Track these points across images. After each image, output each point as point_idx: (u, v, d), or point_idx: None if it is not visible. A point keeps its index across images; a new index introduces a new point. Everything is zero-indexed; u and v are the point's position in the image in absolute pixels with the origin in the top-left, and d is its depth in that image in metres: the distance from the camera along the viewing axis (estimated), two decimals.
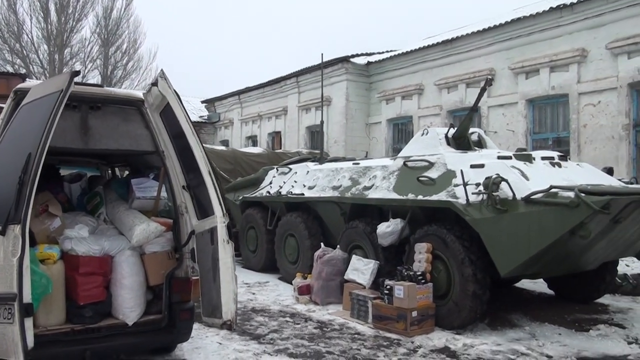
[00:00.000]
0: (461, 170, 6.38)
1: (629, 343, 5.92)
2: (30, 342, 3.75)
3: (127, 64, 37.42)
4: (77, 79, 4.20)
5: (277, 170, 10.67)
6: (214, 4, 77.28)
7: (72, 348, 4.46)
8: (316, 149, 17.59)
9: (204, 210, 4.86)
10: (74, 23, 34.42)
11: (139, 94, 5.27)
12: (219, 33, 75.73)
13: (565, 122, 11.93)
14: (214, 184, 4.45)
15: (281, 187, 9.95)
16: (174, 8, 69.93)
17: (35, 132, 4.03)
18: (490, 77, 7.62)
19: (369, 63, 17.16)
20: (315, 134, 19.46)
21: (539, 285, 8.90)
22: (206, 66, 68.25)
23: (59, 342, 4.44)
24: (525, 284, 9.00)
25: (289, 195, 9.49)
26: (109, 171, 7.62)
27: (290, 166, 10.46)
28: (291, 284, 8.67)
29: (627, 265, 8.45)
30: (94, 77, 35.97)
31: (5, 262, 3.82)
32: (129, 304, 4.89)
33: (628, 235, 6.40)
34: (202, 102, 27.48)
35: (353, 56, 17.55)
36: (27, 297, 3.76)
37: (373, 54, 18.26)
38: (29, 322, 3.76)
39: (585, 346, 5.80)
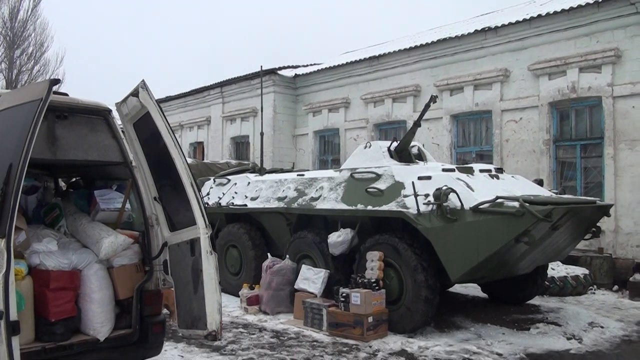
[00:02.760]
0: (412, 182, 6.73)
1: (568, 339, 6.53)
2: None
3: (33, 67, 35.56)
4: None
5: (214, 181, 10.63)
6: (137, 11, 74.93)
7: None
8: (241, 159, 17.62)
9: (177, 221, 4.86)
10: None
11: (105, 103, 5.18)
12: (136, 41, 73.31)
13: (489, 137, 12.73)
14: (196, 195, 4.47)
15: (220, 199, 9.93)
16: (81, 11, 66.95)
17: (15, 142, 3.91)
18: (435, 95, 8.04)
19: (296, 76, 17.42)
20: (240, 145, 19.44)
21: (471, 290, 9.48)
22: (117, 73, 65.81)
23: None
24: (457, 288, 9.54)
25: (230, 207, 9.50)
26: (47, 183, 7.31)
27: (229, 177, 10.47)
28: (234, 295, 8.70)
29: (553, 269, 9.20)
30: None
31: None
32: (99, 319, 4.76)
33: (560, 241, 7.03)
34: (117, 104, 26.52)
35: (280, 68, 17.76)
36: (13, 315, 3.62)
37: (299, 66, 18.56)
38: (15, 341, 3.62)
39: (529, 343, 6.32)
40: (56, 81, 4.10)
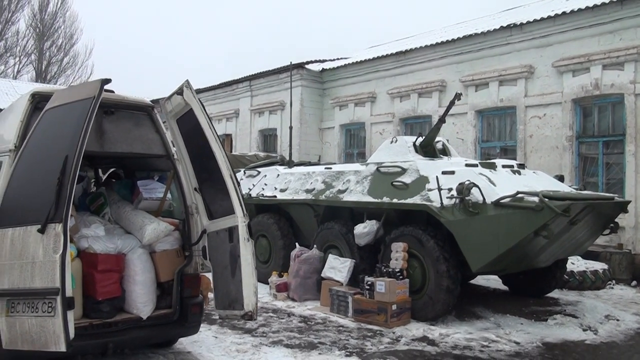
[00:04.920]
0: (436, 177, 7.00)
1: (584, 330, 6.76)
2: (72, 333, 4.00)
3: (62, 59, 36.51)
4: None
5: (245, 173, 10.99)
6: (164, 5, 75.84)
7: (95, 341, 4.69)
8: (269, 152, 17.98)
9: (214, 210, 5.21)
10: (9, 15, 33.27)
11: (147, 100, 5.57)
12: (164, 34, 74.26)
13: (512, 132, 12.89)
14: (234, 186, 4.81)
15: (250, 190, 10.28)
16: (110, 4, 68.04)
17: (70, 136, 4.28)
18: (459, 92, 8.25)
19: (323, 70, 17.69)
20: (268, 137, 19.82)
21: (492, 282, 9.71)
22: (147, 65, 66.79)
23: (82, 336, 4.65)
24: (479, 280, 9.78)
25: (260, 198, 9.85)
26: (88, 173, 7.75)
27: (259, 169, 10.82)
28: (264, 282, 9.06)
29: (573, 264, 9.39)
30: (28, 73, 34.81)
31: (46, 259, 4.04)
32: (142, 299, 5.15)
33: (579, 236, 7.24)
34: (151, 101, 27.13)
35: (307, 63, 18.05)
36: (68, 291, 4.00)
37: (326, 60, 18.83)
38: (70, 315, 4.01)
39: (546, 333, 6.57)
40: (107, 81, 4.47)
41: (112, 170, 7.21)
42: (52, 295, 3.98)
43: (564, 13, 11.63)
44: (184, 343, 5.87)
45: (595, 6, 11.10)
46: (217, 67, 64.28)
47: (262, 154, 15.55)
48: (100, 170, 7.87)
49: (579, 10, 11.36)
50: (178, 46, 73.62)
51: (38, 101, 4.94)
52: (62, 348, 3.97)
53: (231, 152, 19.10)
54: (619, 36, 11.02)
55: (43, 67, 36.21)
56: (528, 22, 12.24)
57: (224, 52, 73.02)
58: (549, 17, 11.89)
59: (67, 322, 3.97)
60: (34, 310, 4.03)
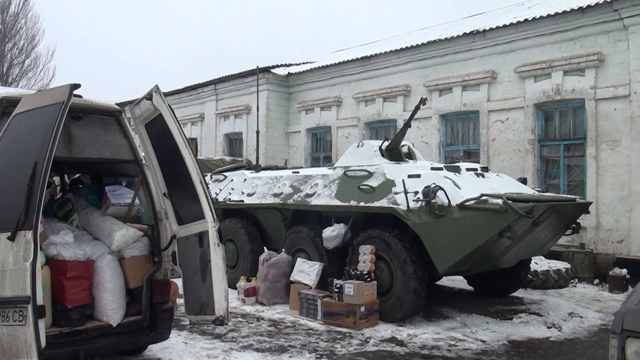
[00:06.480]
0: (403, 180, 7.13)
1: (548, 327, 6.98)
2: (43, 342, 3.96)
3: (24, 61, 35.64)
4: None
5: (211, 177, 10.97)
6: (128, 4, 74.60)
7: (65, 349, 4.65)
8: (235, 156, 17.93)
9: (184, 216, 5.22)
10: None
11: (115, 105, 5.54)
12: (127, 34, 73.08)
13: (476, 136, 13.19)
14: (204, 191, 4.83)
15: (217, 194, 10.27)
16: (72, 4, 66.63)
17: (39, 142, 4.24)
18: (425, 97, 8.43)
19: (289, 74, 17.75)
20: (234, 141, 19.76)
21: (457, 283, 9.92)
22: (110, 67, 65.63)
23: (53, 345, 4.59)
24: (445, 281, 9.98)
25: (227, 202, 9.84)
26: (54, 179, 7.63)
27: (226, 174, 10.82)
28: (232, 287, 9.03)
29: (536, 263, 9.67)
30: None
31: (16, 267, 4.00)
32: (112, 306, 5.12)
33: (542, 236, 7.47)
34: (117, 104, 26.75)
35: (274, 67, 18.09)
36: (39, 300, 3.97)
37: (292, 65, 18.90)
38: (41, 323, 3.97)
39: (511, 332, 6.76)
40: (76, 86, 4.44)
41: (77, 175, 7.12)
42: (23, 303, 3.94)
43: (526, 20, 11.95)
44: (154, 350, 5.84)
45: (556, 14, 11.45)
46: (181, 69, 63.81)
47: (228, 158, 15.50)
48: (66, 176, 7.79)
49: (541, 17, 11.69)
50: (142, 48, 72.69)
51: (6, 106, 4.88)
52: (34, 358, 3.92)
53: (196, 156, 18.93)
54: (580, 43, 11.39)
55: (4, 70, 35.29)
56: (491, 29, 12.55)
57: (188, 55, 72.41)
58: (512, 24, 12.21)
59: (38, 330, 3.94)
60: (5, 320, 3.97)
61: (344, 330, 6.83)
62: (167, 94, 22.34)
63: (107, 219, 5.47)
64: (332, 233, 7.84)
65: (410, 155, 8.82)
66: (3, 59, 34.36)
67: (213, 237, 4.79)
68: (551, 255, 10.10)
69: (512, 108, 12.35)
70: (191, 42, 75.11)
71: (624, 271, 9.65)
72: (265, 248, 9.46)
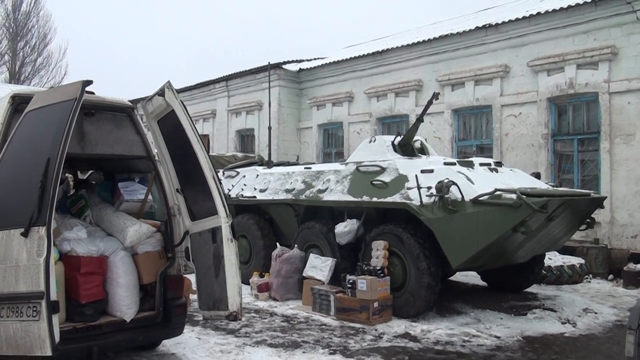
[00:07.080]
0: (416, 175, 7.10)
1: (563, 323, 6.93)
2: (57, 337, 3.98)
3: (36, 60, 35.86)
4: None
5: (224, 173, 10.98)
6: (139, 3, 74.86)
7: (79, 345, 4.66)
8: (246, 152, 17.96)
9: (197, 211, 5.22)
10: None
11: (127, 101, 5.56)
12: (139, 33, 73.26)
13: (489, 131, 13.09)
14: (217, 187, 4.83)
15: (230, 190, 10.27)
16: (84, 3, 66.92)
17: (52, 138, 4.26)
18: (437, 92, 8.37)
19: (300, 70, 17.72)
20: (246, 138, 19.78)
21: (471, 278, 9.86)
22: (122, 65, 65.81)
23: (66, 340, 4.62)
24: (458, 277, 9.92)
25: (240, 198, 9.85)
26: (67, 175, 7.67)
27: (238, 170, 10.82)
28: (244, 283, 9.05)
29: (550, 259, 9.59)
30: (2, 74, 34.15)
31: (30, 262, 4.02)
32: (125, 302, 5.13)
33: (556, 232, 7.40)
34: (130, 102, 26.84)
35: (285, 63, 18.06)
36: (53, 295, 3.99)
37: (303, 61, 18.86)
38: (55, 318, 3.99)
39: (526, 327, 6.71)
40: (88, 82, 4.45)
41: (91, 172, 7.16)
42: (37, 299, 3.96)
43: (538, 13, 11.83)
44: (168, 345, 5.86)
45: (569, 7, 11.32)
46: (192, 67, 63.78)
47: (240, 155, 15.55)
48: (79, 173, 7.83)
49: (554, 10, 11.56)
50: (152, 46, 72.89)
51: (18, 103, 4.90)
52: (48, 352, 3.95)
53: (208, 152, 18.98)
54: (593, 36, 11.26)
55: (17, 68, 35.54)
56: (503, 23, 12.44)
57: (199, 52, 72.42)
58: (524, 18, 12.09)
59: (52, 326, 3.96)
60: (19, 315, 4.00)
61: (357, 325, 6.81)
62: (178, 91, 22.12)
63: (120, 215, 5.48)
64: (345, 229, 7.81)
65: (422, 151, 8.76)
66: (15, 57, 34.58)
67: (226, 232, 4.78)
68: (565, 251, 10.02)
69: (525, 102, 12.23)
70: (201, 39, 75.09)
71: (639, 266, 9.55)
72: (277, 244, 9.46)
